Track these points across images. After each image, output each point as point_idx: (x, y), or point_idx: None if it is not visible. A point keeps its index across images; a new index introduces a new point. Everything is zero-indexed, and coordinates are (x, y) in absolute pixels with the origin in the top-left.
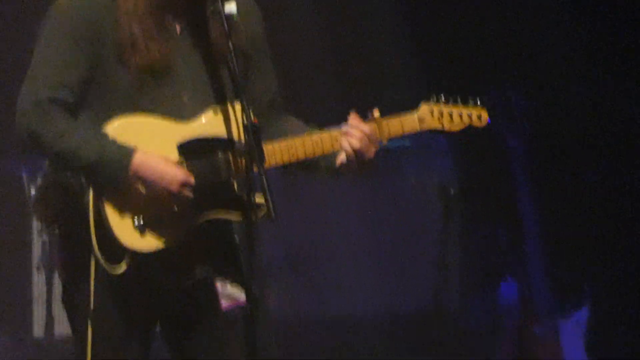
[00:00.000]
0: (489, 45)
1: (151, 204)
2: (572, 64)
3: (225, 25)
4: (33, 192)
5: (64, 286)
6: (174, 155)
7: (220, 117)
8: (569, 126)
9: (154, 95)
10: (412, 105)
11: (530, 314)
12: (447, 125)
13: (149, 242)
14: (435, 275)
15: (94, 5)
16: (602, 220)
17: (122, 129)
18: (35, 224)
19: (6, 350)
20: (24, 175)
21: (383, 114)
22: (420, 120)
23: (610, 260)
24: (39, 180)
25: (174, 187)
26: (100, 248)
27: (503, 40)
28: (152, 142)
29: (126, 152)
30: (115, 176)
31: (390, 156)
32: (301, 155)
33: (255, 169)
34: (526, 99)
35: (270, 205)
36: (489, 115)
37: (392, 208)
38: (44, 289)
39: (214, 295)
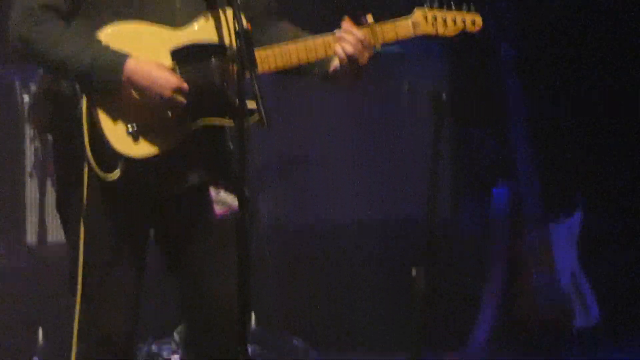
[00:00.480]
0: None
1: (144, 110)
2: None
3: None
4: (26, 99)
5: (57, 193)
6: (167, 61)
7: (212, 23)
8: (560, 28)
9: (145, 1)
10: (406, 11)
11: (521, 220)
12: (441, 31)
13: (143, 148)
14: (427, 181)
15: None
16: (594, 125)
17: (115, 35)
18: (28, 131)
19: (0, 257)
20: (17, 83)
21: (377, 19)
22: (414, 25)
23: (603, 166)
24: (33, 87)
25: (167, 93)
26: (93, 154)
27: None
28: (145, 48)
29: (119, 59)
30: (109, 82)
31: (382, 61)
32: (295, 61)
33: (247, 75)
34: (518, 10)
35: (262, 112)
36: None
37: (384, 114)
38: (37, 196)
39: (207, 202)
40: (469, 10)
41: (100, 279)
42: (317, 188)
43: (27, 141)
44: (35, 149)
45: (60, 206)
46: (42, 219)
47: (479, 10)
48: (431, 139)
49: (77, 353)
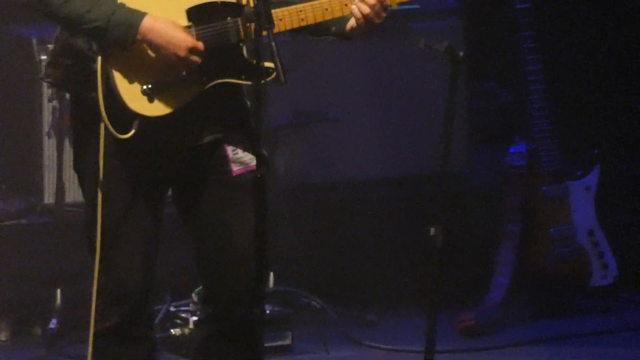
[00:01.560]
0: None
1: (159, 69)
2: None
3: None
4: (43, 57)
5: (74, 151)
6: (183, 20)
7: None
8: None
9: None
10: None
11: (538, 175)
12: None
13: (158, 107)
14: (443, 137)
15: None
16: (611, 78)
17: None
18: (46, 90)
19: (18, 216)
20: (34, 40)
21: None
22: None
23: (621, 120)
24: (51, 46)
25: (182, 52)
26: (108, 113)
27: None
28: (160, 8)
29: (135, 16)
30: (124, 39)
31: (398, 18)
32: (311, 20)
33: (264, 34)
34: None
35: (280, 70)
36: None
37: (400, 70)
38: (55, 155)
39: (224, 159)
40: None
41: (117, 236)
42: (333, 145)
43: (45, 100)
44: (53, 108)
45: (77, 164)
46: (60, 178)
47: None
48: (447, 94)
49: (96, 312)
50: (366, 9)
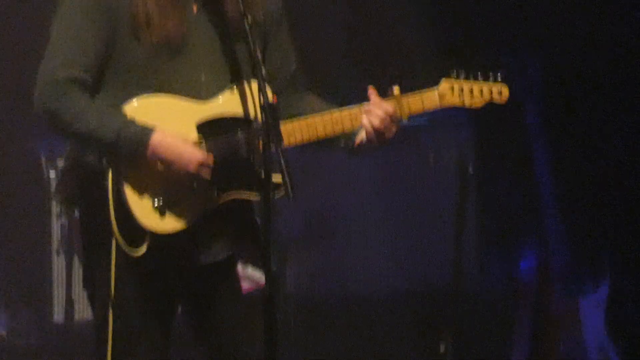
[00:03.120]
0: (506, 17)
1: (170, 184)
2: (592, 36)
3: (241, 3)
4: (52, 174)
5: (84, 269)
6: (193, 134)
7: (238, 96)
8: (588, 95)
9: (170, 74)
10: (433, 82)
11: (548, 288)
12: (467, 102)
13: (169, 223)
14: (453, 250)
15: None
16: (623, 190)
17: (141, 109)
18: (55, 208)
19: (27, 335)
20: (43, 157)
21: (403, 90)
22: (441, 96)
23: (631, 235)
24: (60, 163)
25: (193, 167)
26: (120, 230)
27: (520, 10)
28: (170, 122)
29: (145, 132)
30: (134, 155)
31: (408, 132)
32: (321, 134)
33: (273, 148)
34: (544, 69)
35: (289, 185)
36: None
37: (410, 183)
38: (64, 273)
39: (234, 277)
40: (495, 80)
41: (129, 354)
42: (343, 258)
43: (54, 218)
44: (62, 226)
45: (87, 282)
46: (69, 296)
47: (506, 76)
48: (457, 207)
49: None
50: (377, 122)
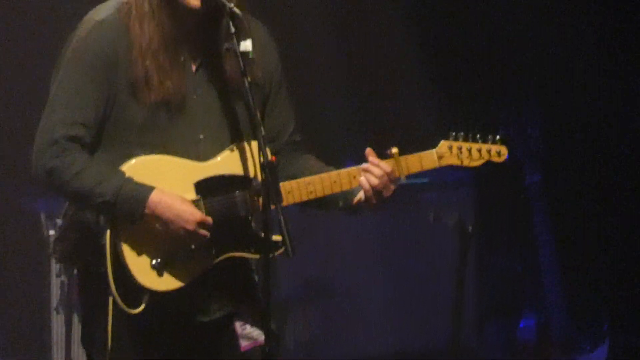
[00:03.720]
0: (506, 77)
1: (168, 242)
2: (592, 95)
3: (241, 63)
4: (51, 232)
5: (83, 327)
6: (191, 193)
7: (237, 155)
8: (588, 158)
9: (169, 133)
10: (431, 142)
11: (548, 348)
12: (466, 161)
13: (167, 282)
14: (452, 311)
15: (110, 41)
16: (621, 257)
17: (139, 168)
18: (54, 265)
19: None
20: (42, 215)
21: (402, 151)
22: (440, 156)
23: (630, 296)
24: (59, 220)
25: (191, 226)
26: (117, 288)
27: (520, 71)
28: (168, 181)
29: (143, 190)
30: (132, 214)
31: (407, 191)
32: (319, 193)
33: (272, 207)
34: (543, 130)
35: (288, 244)
36: (508, 149)
37: (410, 243)
38: (63, 331)
39: (232, 335)
40: (494, 142)
41: None
42: (343, 318)
43: (53, 275)
44: (62, 283)
45: (86, 339)
46: (68, 354)
47: (506, 138)
48: (457, 267)
49: None
50: (375, 181)
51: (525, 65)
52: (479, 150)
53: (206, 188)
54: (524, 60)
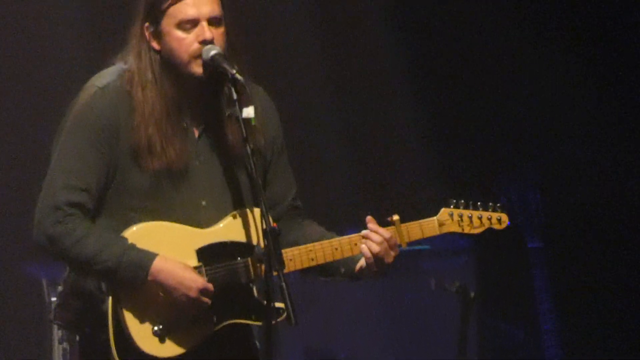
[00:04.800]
0: (505, 146)
1: (170, 309)
2: (592, 163)
3: (243, 129)
4: (53, 298)
5: None
6: (193, 260)
7: (239, 222)
8: (588, 224)
9: (171, 199)
10: (432, 209)
11: None
12: (467, 229)
13: (169, 349)
14: None
15: (112, 108)
16: (623, 324)
17: (141, 234)
18: (56, 332)
19: None
20: (44, 281)
21: (402, 218)
22: (440, 224)
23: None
24: (60, 287)
25: (193, 293)
26: (120, 355)
27: (520, 139)
28: (170, 247)
29: (146, 257)
30: (134, 280)
31: (408, 258)
32: (321, 260)
33: (274, 274)
34: (544, 197)
35: (290, 311)
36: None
37: (412, 310)
38: None
39: None
40: (495, 209)
41: None
42: None
43: (55, 342)
44: (64, 351)
45: None
46: None
47: (506, 204)
48: (459, 334)
49: None
50: (376, 248)
51: (525, 131)
52: (480, 218)
53: (208, 255)
54: (523, 125)
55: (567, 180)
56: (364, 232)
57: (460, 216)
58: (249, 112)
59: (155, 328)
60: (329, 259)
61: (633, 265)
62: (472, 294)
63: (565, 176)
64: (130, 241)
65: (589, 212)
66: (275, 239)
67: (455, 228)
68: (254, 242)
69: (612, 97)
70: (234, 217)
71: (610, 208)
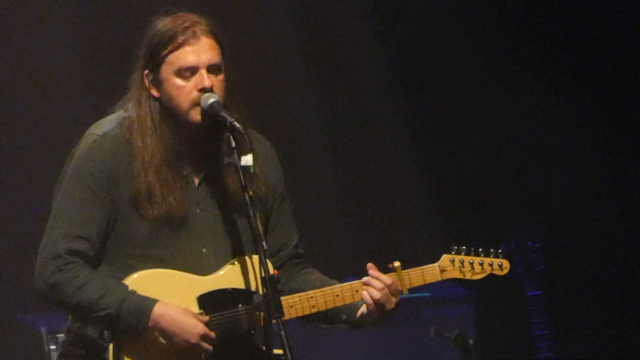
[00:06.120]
0: (506, 194)
1: (171, 356)
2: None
3: (242, 177)
4: (52, 347)
5: None
6: (194, 307)
7: (239, 269)
8: (588, 273)
9: (172, 247)
10: (433, 255)
11: None
12: (468, 274)
13: None
14: None
15: (112, 156)
16: None
17: (142, 281)
18: None
19: None
20: (43, 330)
21: (404, 265)
22: (442, 270)
23: None
24: (60, 335)
25: (194, 339)
26: None
27: (520, 188)
28: (171, 294)
29: (146, 303)
30: (136, 327)
31: (409, 305)
32: (322, 307)
33: (274, 321)
34: (543, 245)
35: (289, 358)
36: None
37: (411, 357)
38: None
39: None
40: (496, 255)
41: None
42: None
43: None
44: None
45: None
46: None
47: (507, 251)
48: None
49: None
50: (377, 295)
51: (526, 180)
52: (481, 264)
53: (209, 302)
54: (524, 175)
55: (567, 229)
56: (365, 278)
57: (462, 262)
58: (247, 160)
59: None
60: (330, 305)
61: (632, 312)
62: (471, 342)
63: (565, 225)
64: (131, 288)
65: (588, 260)
66: (274, 286)
67: (456, 274)
68: (254, 289)
69: (612, 148)
70: (234, 264)
71: (608, 256)
